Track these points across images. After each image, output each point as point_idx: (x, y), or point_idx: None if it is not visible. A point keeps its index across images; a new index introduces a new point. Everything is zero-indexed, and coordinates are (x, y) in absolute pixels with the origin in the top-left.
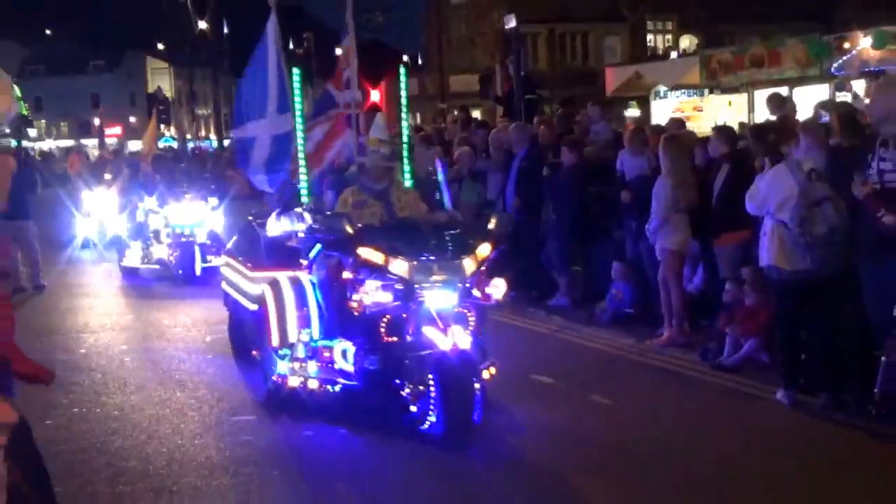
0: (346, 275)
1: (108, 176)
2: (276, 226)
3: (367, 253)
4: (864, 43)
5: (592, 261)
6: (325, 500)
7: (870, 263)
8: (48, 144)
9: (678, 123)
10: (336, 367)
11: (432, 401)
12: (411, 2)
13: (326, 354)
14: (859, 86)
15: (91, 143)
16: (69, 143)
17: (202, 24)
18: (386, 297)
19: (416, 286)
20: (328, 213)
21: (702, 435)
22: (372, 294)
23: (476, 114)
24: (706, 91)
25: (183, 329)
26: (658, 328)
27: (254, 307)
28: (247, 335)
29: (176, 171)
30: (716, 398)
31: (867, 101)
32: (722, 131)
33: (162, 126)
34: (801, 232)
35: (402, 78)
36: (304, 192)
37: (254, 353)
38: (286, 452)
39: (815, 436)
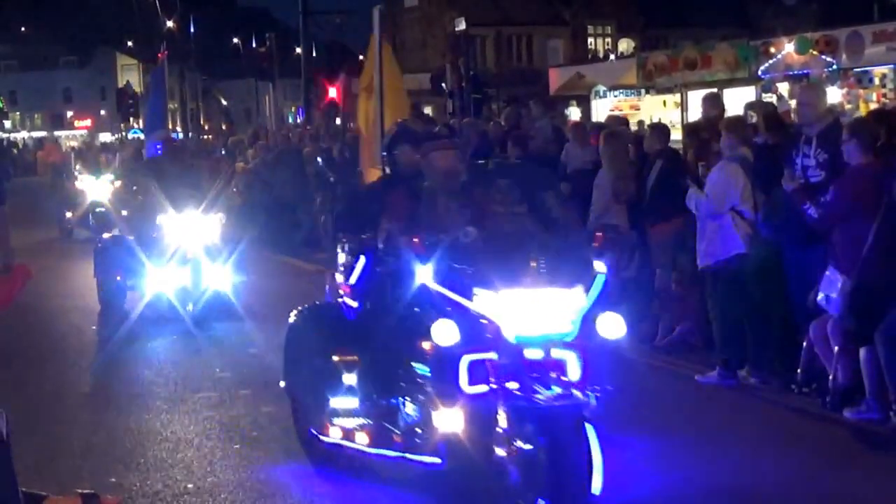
0: None
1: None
2: None
3: None
4: (788, 48)
5: None
6: (285, 471)
7: (795, 252)
8: (22, 135)
9: (617, 120)
10: None
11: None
12: (367, 5)
13: None
14: (784, 88)
15: (64, 135)
16: (42, 133)
17: (170, 23)
18: None
19: None
20: None
21: (640, 408)
22: None
23: (427, 110)
24: (642, 91)
25: (152, 312)
26: None
27: None
28: None
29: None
30: (650, 377)
31: (792, 102)
32: (656, 129)
33: (131, 119)
34: (766, 216)
35: None
36: None
37: None
38: (247, 427)
39: (744, 411)
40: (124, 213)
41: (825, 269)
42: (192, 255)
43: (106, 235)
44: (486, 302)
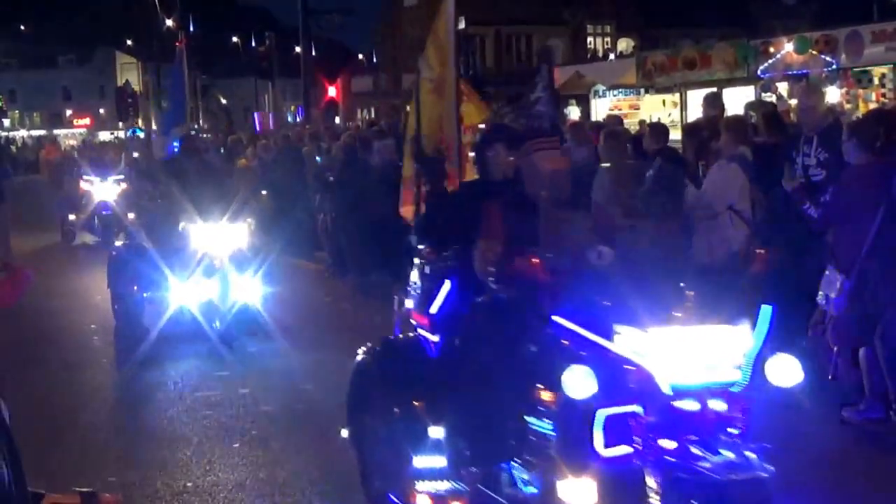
0: None
1: None
2: None
3: None
4: (787, 47)
5: None
6: (284, 469)
7: (794, 252)
8: (21, 134)
9: (616, 119)
10: None
11: None
12: (367, 4)
13: None
14: (783, 87)
15: (63, 133)
16: (41, 132)
17: (169, 22)
18: None
19: None
20: None
21: None
22: None
23: None
24: (642, 90)
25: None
26: None
27: None
28: None
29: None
30: None
31: (792, 101)
32: (655, 128)
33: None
34: (765, 216)
35: None
36: None
37: None
38: (246, 426)
39: None
40: (133, 216)
41: (824, 268)
42: (219, 265)
43: (118, 243)
44: (632, 342)
